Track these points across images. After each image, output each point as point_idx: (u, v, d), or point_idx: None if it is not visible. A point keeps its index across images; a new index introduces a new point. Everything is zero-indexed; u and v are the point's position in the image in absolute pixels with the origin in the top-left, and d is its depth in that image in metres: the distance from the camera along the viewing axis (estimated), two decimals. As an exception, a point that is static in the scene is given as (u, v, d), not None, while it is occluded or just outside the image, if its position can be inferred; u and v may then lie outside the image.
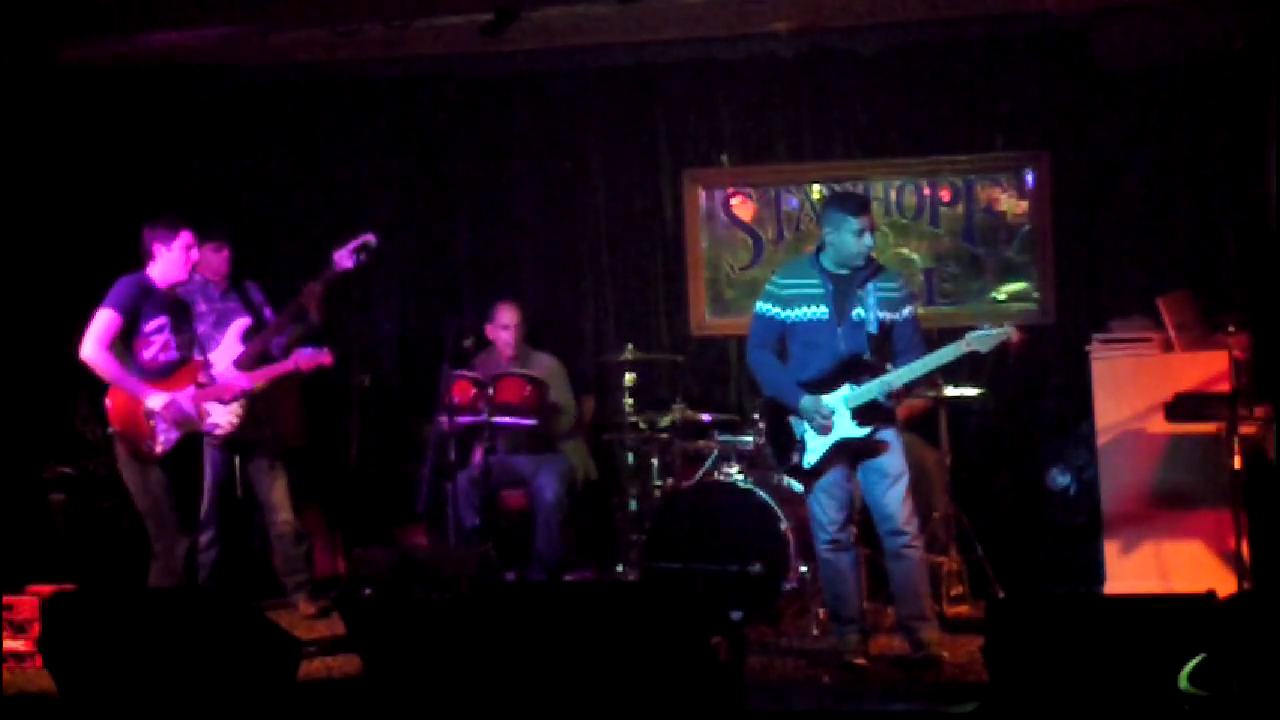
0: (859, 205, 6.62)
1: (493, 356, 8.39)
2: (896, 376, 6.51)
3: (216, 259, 7.78)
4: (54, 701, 5.55)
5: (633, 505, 8.06)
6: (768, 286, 6.70)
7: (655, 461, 8.04)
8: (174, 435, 6.86)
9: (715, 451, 7.79)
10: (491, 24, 7.71)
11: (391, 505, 8.48)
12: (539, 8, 7.73)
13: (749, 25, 8.32)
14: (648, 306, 8.91)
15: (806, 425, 6.55)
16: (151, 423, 6.82)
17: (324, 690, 6.19)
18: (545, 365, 8.38)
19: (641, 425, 8.03)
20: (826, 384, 6.52)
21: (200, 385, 6.97)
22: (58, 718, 5.60)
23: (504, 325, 8.37)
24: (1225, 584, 6.38)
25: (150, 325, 6.86)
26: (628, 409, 8.06)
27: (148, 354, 6.86)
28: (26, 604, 6.82)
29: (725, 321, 8.73)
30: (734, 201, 8.83)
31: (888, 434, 6.57)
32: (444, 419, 7.76)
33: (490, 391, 7.85)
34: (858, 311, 6.52)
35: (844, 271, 6.56)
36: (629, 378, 8.06)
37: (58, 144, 8.51)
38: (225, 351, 7.50)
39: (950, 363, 6.54)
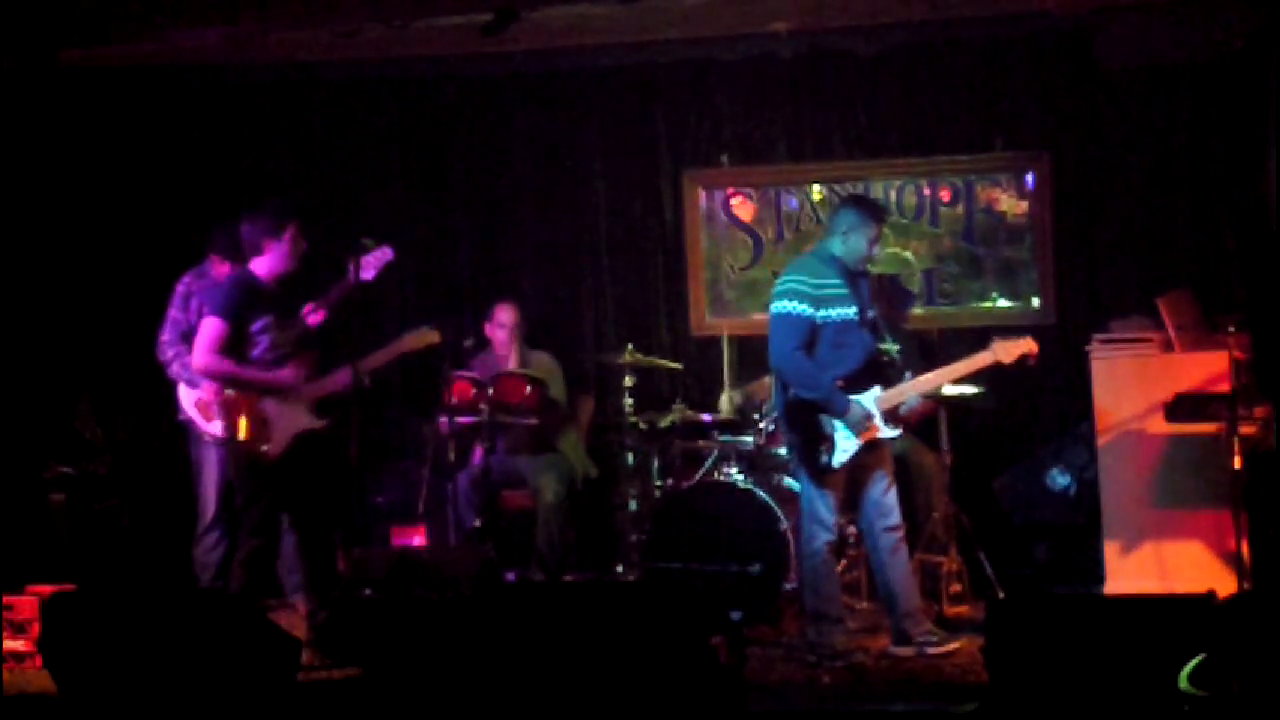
0: (882, 213, 6.84)
1: (491, 356, 8.40)
2: (929, 380, 6.53)
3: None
4: (54, 701, 5.54)
5: (633, 505, 8.06)
6: (793, 285, 6.55)
7: (655, 461, 8.05)
8: (290, 433, 6.82)
9: (715, 451, 7.79)
10: (491, 24, 7.71)
11: (391, 505, 8.48)
12: (539, 8, 7.72)
13: (749, 25, 8.32)
14: (648, 306, 8.90)
15: (839, 424, 6.49)
16: (269, 424, 6.77)
17: (324, 690, 6.19)
18: (542, 364, 8.38)
19: (641, 425, 8.03)
20: (854, 385, 6.50)
21: (309, 379, 6.93)
22: (58, 718, 5.60)
23: (501, 324, 8.38)
24: (1225, 584, 6.37)
25: (256, 325, 6.81)
26: (628, 409, 8.05)
27: (255, 354, 6.82)
28: (26, 604, 6.81)
29: (725, 321, 8.72)
30: (734, 201, 8.83)
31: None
32: (444, 419, 7.77)
33: (490, 391, 7.84)
34: (870, 311, 6.54)
35: (853, 271, 6.58)
36: (628, 378, 8.07)
37: (57, 145, 8.51)
38: None
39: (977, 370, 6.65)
